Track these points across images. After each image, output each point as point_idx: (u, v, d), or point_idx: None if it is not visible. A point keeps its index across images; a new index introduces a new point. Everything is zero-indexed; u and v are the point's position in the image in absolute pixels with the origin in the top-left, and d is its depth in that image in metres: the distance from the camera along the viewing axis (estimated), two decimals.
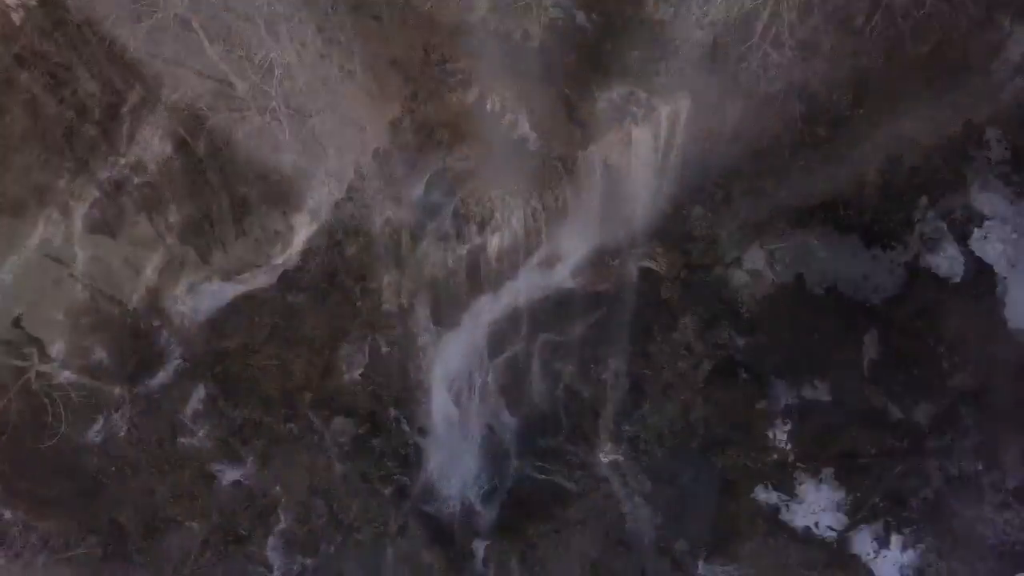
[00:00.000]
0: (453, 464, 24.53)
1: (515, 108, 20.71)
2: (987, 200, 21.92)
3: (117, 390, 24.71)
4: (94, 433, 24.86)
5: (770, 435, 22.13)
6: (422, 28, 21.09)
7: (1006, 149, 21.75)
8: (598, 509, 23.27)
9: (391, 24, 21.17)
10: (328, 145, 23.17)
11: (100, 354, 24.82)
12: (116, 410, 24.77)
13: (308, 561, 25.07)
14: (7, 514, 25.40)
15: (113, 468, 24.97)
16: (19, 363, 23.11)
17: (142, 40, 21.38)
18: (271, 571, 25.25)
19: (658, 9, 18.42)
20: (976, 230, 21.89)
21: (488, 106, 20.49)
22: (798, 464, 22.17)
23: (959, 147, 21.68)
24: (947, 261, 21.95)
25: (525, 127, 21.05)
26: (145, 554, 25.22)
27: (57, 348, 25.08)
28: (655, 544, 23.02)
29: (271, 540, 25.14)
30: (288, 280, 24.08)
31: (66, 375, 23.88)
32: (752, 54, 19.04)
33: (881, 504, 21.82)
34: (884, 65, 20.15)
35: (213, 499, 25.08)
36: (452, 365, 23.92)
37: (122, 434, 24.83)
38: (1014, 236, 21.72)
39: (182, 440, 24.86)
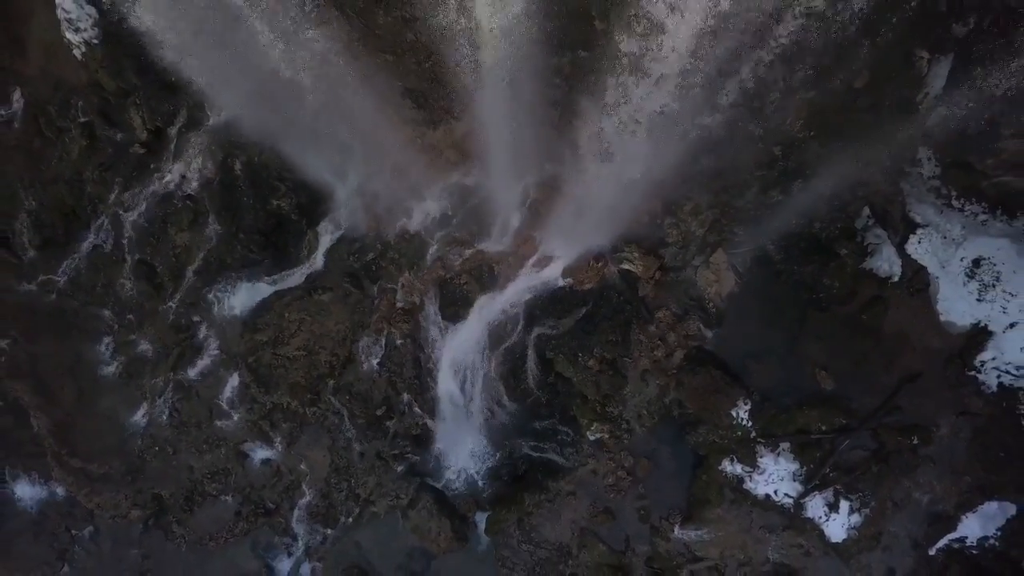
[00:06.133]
0: (458, 443, 26.02)
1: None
2: (921, 210, 23.77)
3: (161, 379, 26.97)
4: (139, 417, 27.22)
5: (734, 415, 23.81)
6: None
7: (936, 166, 23.66)
8: (587, 482, 24.88)
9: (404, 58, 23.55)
10: (350, 163, 25.44)
11: (145, 346, 27.14)
12: (159, 396, 26.95)
13: (329, 531, 26.69)
14: (60, 491, 27.56)
15: (156, 448, 27.14)
16: None
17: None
18: (296, 540, 26.98)
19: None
20: (911, 236, 23.69)
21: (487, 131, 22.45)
22: (759, 440, 23.78)
23: (896, 164, 23.50)
24: (887, 263, 23.68)
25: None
26: (184, 524, 27.25)
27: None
28: (636, 512, 24.74)
29: (296, 512, 26.85)
30: (314, 281, 25.98)
31: None
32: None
33: (831, 474, 23.42)
34: (829, 96, 22.37)
35: (245, 476, 26.90)
36: (458, 355, 25.37)
37: (164, 418, 26.97)
38: (943, 241, 23.60)
39: (218, 423, 26.67)
